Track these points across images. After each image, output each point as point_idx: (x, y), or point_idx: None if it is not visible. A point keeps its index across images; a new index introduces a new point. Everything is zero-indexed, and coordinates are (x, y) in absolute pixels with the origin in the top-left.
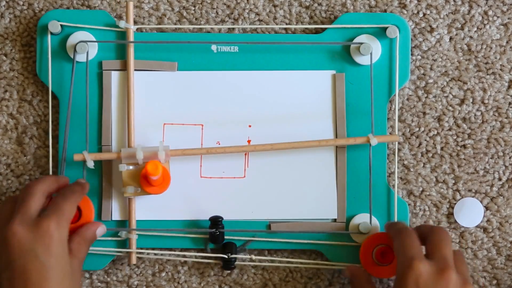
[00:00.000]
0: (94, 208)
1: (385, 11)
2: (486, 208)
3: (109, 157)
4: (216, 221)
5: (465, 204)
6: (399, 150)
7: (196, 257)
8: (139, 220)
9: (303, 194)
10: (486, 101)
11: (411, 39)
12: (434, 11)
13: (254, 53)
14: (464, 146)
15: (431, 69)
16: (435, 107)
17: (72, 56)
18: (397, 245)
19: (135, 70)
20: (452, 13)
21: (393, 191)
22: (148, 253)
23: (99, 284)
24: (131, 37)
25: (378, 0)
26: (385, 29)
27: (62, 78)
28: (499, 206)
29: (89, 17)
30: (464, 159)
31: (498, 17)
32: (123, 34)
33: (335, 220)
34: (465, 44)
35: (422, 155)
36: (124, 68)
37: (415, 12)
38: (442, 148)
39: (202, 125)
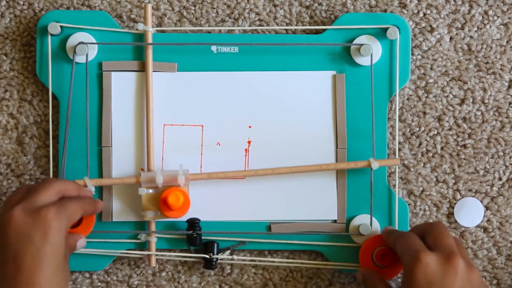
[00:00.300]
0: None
1: (385, 11)
2: (486, 208)
3: (129, 182)
4: (193, 223)
5: (465, 204)
6: (399, 149)
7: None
8: (138, 222)
9: (303, 194)
10: (486, 101)
11: (411, 39)
12: (434, 11)
13: (254, 54)
14: (464, 146)
15: (431, 69)
16: (436, 107)
17: (71, 57)
18: (400, 247)
19: (135, 71)
20: (452, 13)
21: (394, 192)
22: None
23: (99, 284)
24: (150, 40)
25: (378, 0)
26: (385, 29)
27: (62, 79)
28: (499, 206)
29: (89, 17)
30: (464, 159)
31: (498, 16)
32: (123, 35)
33: (335, 221)
34: (465, 44)
35: (422, 155)
36: (124, 69)
37: (415, 12)
38: (442, 148)
39: (202, 126)
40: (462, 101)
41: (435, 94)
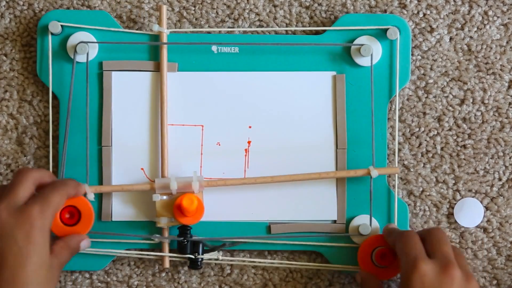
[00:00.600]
0: (94, 210)
1: (385, 11)
2: (486, 208)
3: (143, 188)
4: (184, 230)
5: (465, 204)
6: (399, 150)
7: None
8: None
9: (303, 195)
10: (486, 101)
11: (411, 39)
12: (434, 11)
13: (255, 54)
14: (464, 146)
15: (431, 69)
16: (435, 107)
17: (72, 57)
18: (399, 247)
19: (135, 70)
20: (452, 13)
21: (393, 192)
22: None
23: (99, 284)
24: (165, 41)
25: (378, 0)
26: (385, 30)
27: (62, 79)
28: (499, 206)
29: (89, 17)
30: (464, 159)
31: (498, 17)
32: (123, 35)
33: (335, 221)
34: (465, 44)
35: (422, 155)
36: (124, 68)
37: (415, 12)
38: (442, 148)
39: (203, 126)
40: (462, 102)
41: (435, 94)
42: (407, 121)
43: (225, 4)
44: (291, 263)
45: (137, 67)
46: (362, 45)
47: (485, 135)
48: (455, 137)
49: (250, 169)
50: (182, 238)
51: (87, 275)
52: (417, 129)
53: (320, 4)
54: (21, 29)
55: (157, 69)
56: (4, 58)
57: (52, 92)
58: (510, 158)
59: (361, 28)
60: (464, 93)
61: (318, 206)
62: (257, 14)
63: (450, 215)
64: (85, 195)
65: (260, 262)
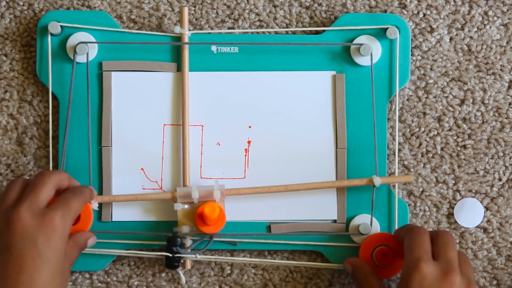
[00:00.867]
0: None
1: (385, 11)
2: (486, 208)
3: (164, 197)
4: (174, 241)
5: (465, 205)
6: (399, 150)
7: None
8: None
9: (303, 195)
10: (486, 102)
11: (411, 40)
12: (434, 11)
13: (254, 54)
14: (464, 147)
15: (431, 69)
16: (435, 108)
17: (72, 57)
18: (406, 243)
19: (135, 71)
20: (452, 13)
21: (393, 192)
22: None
23: (99, 284)
24: (186, 41)
25: (378, 1)
26: (385, 30)
27: (62, 79)
28: (499, 206)
29: (89, 18)
30: (464, 160)
31: (498, 17)
32: (123, 35)
33: (335, 221)
34: (465, 44)
35: (422, 156)
36: (124, 69)
37: (415, 12)
38: (442, 149)
39: (202, 126)
40: (462, 102)
41: (435, 94)
42: (407, 121)
43: (225, 4)
44: (291, 263)
45: (137, 67)
46: (361, 44)
47: (485, 135)
48: (455, 137)
49: (250, 169)
50: (169, 254)
51: (87, 275)
52: (417, 129)
53: (320, 4)
54: (21, 29)
55: (157, 69)
56: (4, 58)
57: (52, 93)
58: (510, 158)
59: (360, 27)
60: (464, 93)
61: (318, 206)
62: (257, 14)
63: (450, 215)
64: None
65: (260, 261)
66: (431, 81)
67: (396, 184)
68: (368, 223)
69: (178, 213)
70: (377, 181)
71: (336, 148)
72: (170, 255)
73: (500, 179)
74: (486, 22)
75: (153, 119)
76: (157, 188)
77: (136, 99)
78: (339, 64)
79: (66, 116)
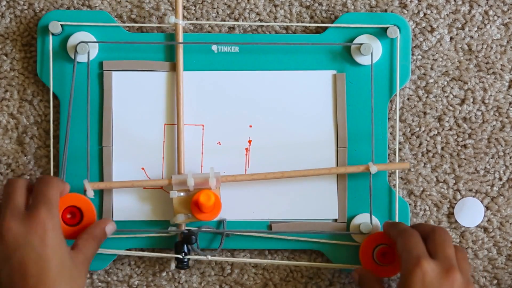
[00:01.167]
0: (95, 209)
1: (386, 11)
2: (487, 208)
3: (159, 184)
4: (189, 238)
5: (466, 204)
6: (399, 149)
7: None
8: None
9: (303, 194)
10: (486, 101)
11: (412, 39)
12: (434, 11)
13: (255, 53)
14: (465, 146)
15: (431, 69)
16: (436, 107)
17: (72, 57)
18: (401, 244)
19: (135, 70)
20: (452, 13)
21: (394, 191)
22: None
23: (99, 284)
24: (181, 34)
25: (379, 0)
26: (385, 29)
27: (62, 79)
28: (499, 206)
29: (90, 17)
30: (465, 159)
31: (498, 16)
32: (124, 34)
33: (335, 220)
34: (466, 44)
35: (422, 155)
36: (125, 68)
37: (416, 12)
38: (442, 148)
39: (203, 125)
40: (463, 101)
41: (435, 94)
42: (408, 120)
43: (225, 4)
44: (292, 263)
45: (138, 67)
46: (362, 44)
47: (485, 135)
48: (455, 137)
49: (250, 168)
50: (180, 255)
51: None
52: (418, 129)
53: (320, 4)
54: (21, 29)
55: (158, 68)
56: (5, 58)
57: (53, 92)
58: (510, 157)
59: (361, 26)
60: (465, 93)
61: (319, 205)
62: (257, 14)
63: (450, 214)
64: (84, 192)
65: (261, 261)
66: (431, 80)
67: (397, 184)
68: (369, 222)
69: (174, 201)
70: (374, 168)
71: (337, 147)
72: (181, 256)
73: (500, 179)
74: (486, 22)
75: (154, 118)
76: (158, 187)
77: (137, 99)
78: (340, 63)
79: (67, 116)
